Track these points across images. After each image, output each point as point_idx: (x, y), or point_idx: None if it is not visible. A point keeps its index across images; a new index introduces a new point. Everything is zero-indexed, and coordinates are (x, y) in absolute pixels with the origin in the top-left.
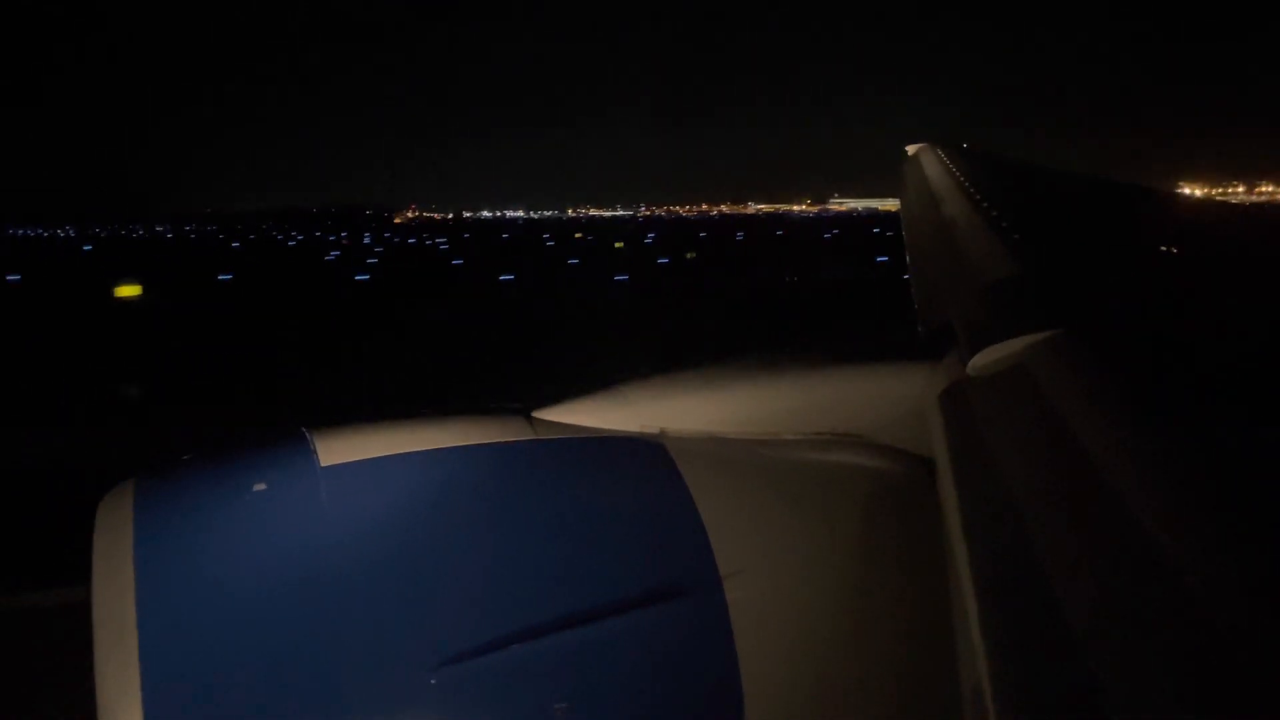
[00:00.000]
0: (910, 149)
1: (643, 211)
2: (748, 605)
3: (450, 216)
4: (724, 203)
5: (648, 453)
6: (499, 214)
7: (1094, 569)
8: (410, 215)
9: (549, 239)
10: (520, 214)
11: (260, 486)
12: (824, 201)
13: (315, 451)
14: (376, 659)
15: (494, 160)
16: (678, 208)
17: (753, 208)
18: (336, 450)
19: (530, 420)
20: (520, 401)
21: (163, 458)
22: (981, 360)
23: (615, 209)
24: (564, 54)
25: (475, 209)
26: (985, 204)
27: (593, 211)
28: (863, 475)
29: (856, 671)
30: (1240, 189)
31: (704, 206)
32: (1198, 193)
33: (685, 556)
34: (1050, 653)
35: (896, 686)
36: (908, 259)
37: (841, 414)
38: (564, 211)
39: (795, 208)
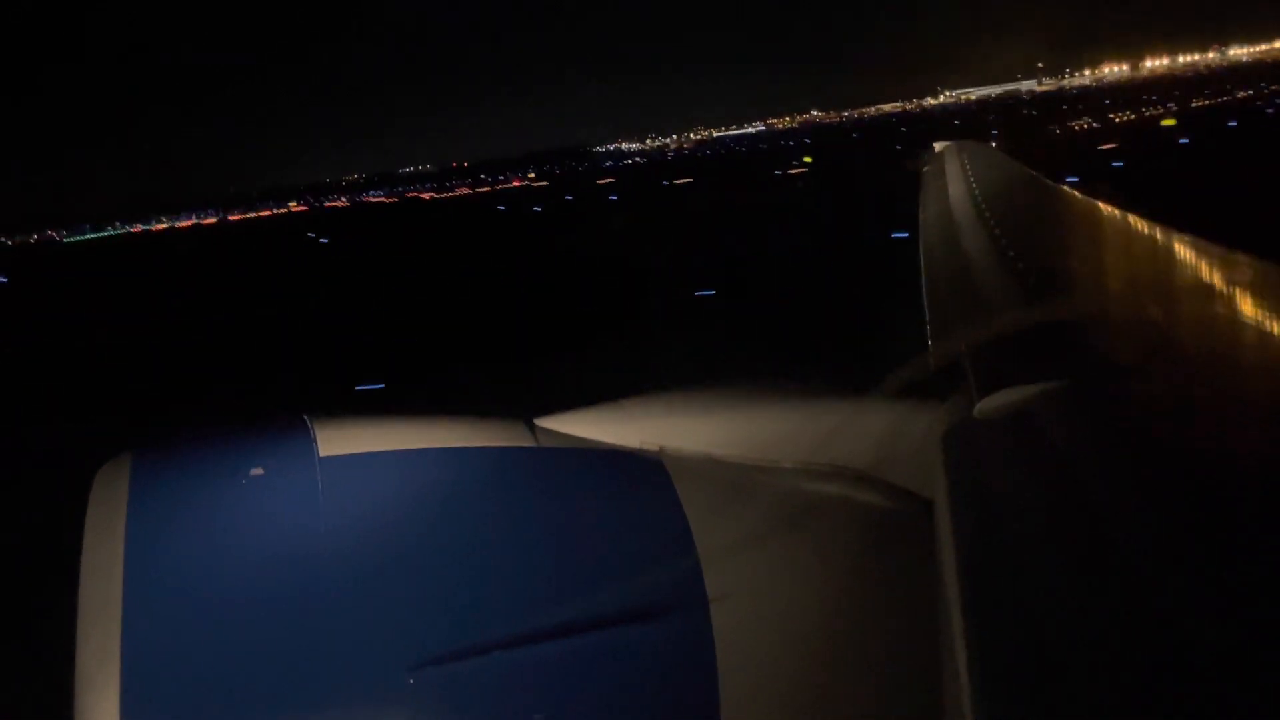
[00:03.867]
0: (937, 146)
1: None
2: (733, 631)
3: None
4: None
5: (646, 469)
6: (608, 147)
7: (1088, 623)
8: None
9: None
10: (634, 145)
11: (257, 471)
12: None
13: (315, 441)
14: (356, 654)
15: (597, 99)
16: (820, 114)
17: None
18: (336, 441)
19: (531, 427)
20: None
21: (163, 433)
22: (989, 404)
23: (735, 127)
24: None
25: (588, 146)
26: (1003, 239)
27: (717, 133)
28: (860, 510)
29: (839, 707)
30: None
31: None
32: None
33: (674, 577)
34: (1038, 702)
35: None
36: (923, 283)
37: (844, 446)
38: (682, 137)
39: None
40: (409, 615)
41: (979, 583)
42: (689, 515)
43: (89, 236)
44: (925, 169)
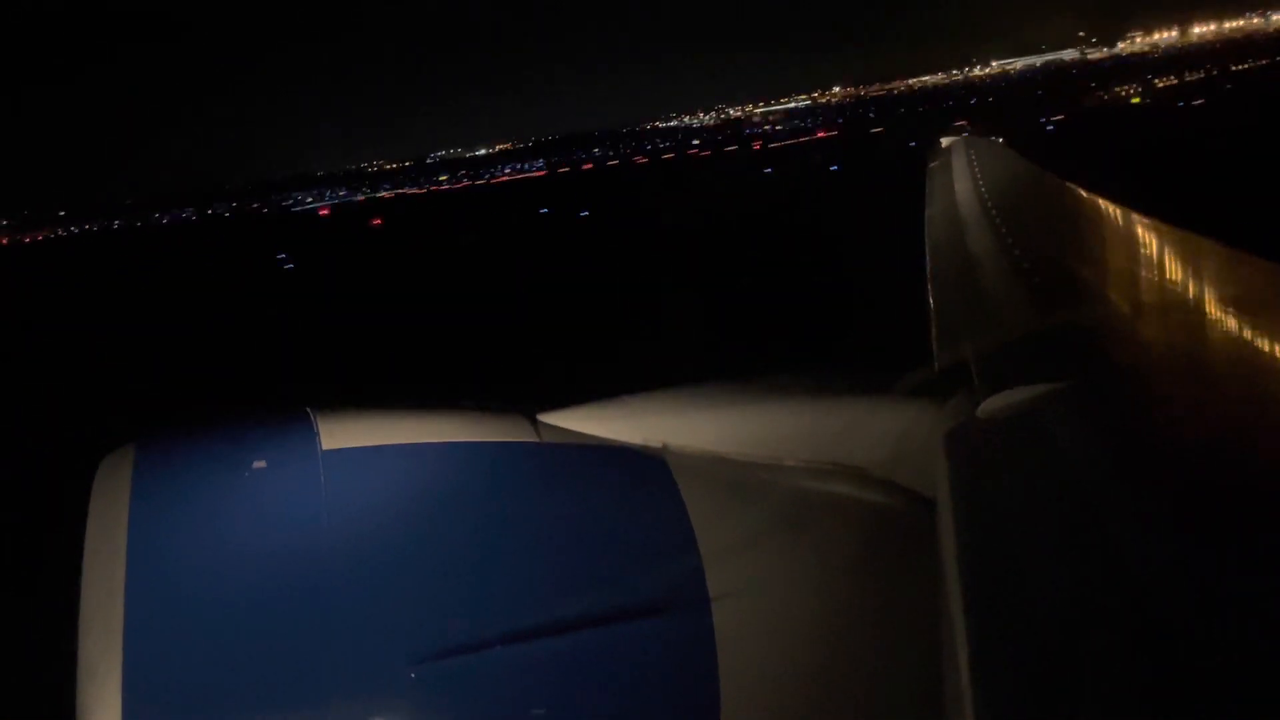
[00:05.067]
0: (944, 140)
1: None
2: (734, 629)
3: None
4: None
5: (648, 466)
6: (637, 128)
7: (1088, 623)
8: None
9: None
10: (675, 123)
11: (260, 464)
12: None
13: (318, 434)
14: (357, 648)
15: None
16: (864, 88)
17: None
18: (339, 434)
19: (535, 423)
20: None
21: (168, 423)
22: (991, 405)
23: (765, 104)
24: None
25: (623, 126)
26: (1009, 239)
27: (762, 107)
28: (862, 509)
29: (839, 705)
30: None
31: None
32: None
33: (675, 575)
34: (1038, 702)
35: None
36: (929, 282)
37: (847, 445)
38: (723, 113)
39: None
40: (410, 610)
41: (980, 582)
42: (691, 513)
43: (310, 205)
44: (932, 164)
